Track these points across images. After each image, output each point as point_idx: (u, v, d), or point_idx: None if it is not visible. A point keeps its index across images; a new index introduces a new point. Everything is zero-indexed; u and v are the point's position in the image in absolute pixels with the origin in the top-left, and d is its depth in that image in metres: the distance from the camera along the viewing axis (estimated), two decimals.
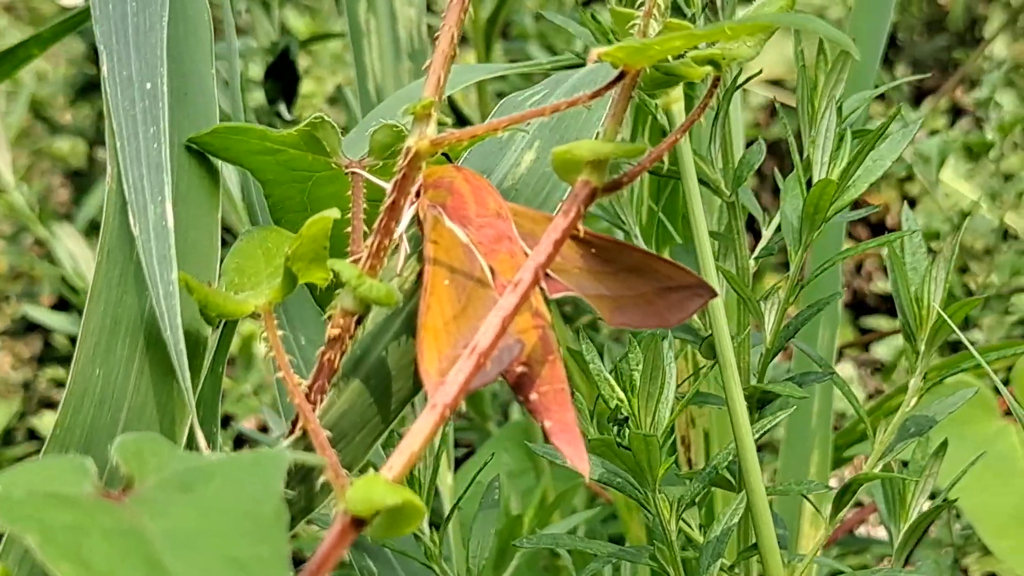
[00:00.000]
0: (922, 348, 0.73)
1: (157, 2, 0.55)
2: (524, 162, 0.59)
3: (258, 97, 1.22)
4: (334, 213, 0.51)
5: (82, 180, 1.66)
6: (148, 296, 0.53)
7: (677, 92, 0.70)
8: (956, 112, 2.14)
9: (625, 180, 0.51)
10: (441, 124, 0.52)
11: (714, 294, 0.54)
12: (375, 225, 0.52)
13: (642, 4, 0.53)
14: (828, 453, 0.98)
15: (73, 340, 1.30)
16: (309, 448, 0.52)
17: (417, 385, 0.54)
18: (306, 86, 1.56)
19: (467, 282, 0.53)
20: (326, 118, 0.56)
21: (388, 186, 0.55)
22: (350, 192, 0.58)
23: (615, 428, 0.66)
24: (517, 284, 0.49)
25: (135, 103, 0.53)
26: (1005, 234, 1.35)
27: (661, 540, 0.68)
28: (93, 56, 1.52)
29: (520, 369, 0.51)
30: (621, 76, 0.50)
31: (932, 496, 0.76)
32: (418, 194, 0.55)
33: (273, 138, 0.57)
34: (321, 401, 0.52)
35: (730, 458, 0.68)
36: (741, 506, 0.70)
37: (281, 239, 0.56)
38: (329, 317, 0.52)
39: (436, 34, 0.52)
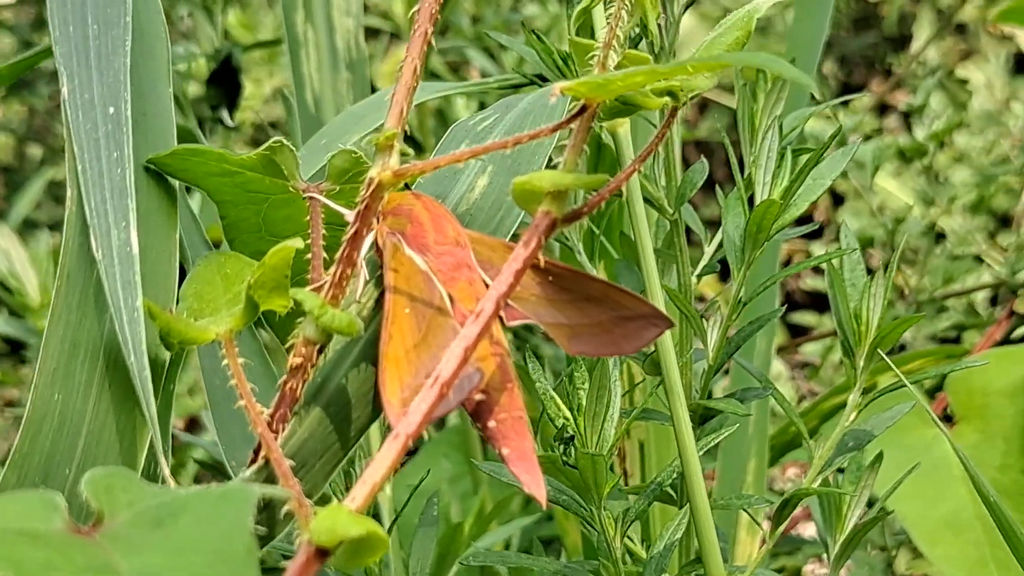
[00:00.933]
0: (860, 364, 0.75)
1: (120, 26, 0.56)
2: (478, 187, 0.60)
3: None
4: (297, 243, 0.52)
5: (13, 176, 1.65)
6: (107, 319, 0.54)
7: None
8: (882, 108, 2.16)
9: (585, 210, 0.53)
10: (403, 154, 0.53)
11: (670, 324, 0.55)
12: (337, 255, 0.53)
13: (602, 31, 0.54)
14: (765, 460, 1.00)
15: (7, 341, 1.30)
16: (271, 476, 0.53)
17: (376, 411, 0.56)
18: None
19: (427, 310, 0.54)
20: (285, 142, 0.57)
21: (346, 212, 0.56)
22: (306, 216, 0.59)
23: (560, 446, 0.67)
24: (479, 314, 0.50)
25: (97, 127, 0.54)
26: (937, 237, 1.37)
27: (605, 556, 0.69)
28: (23, 51, 1.52)
29: (479, 397, 0.53)
30: (583, 110, 0.51)
31: (869, 504, 0.77)
32: (376, 220, 0.56)
33: (232, 161, 0.58)
34: (283, 430, 0.53)
35: (674, 475, 0.70)
36: (684, 520, 0.71)
37: (239, 265, 0.57)
38: (289, 347, 0.53)
39: (400, 64, 0.53)
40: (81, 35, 0.56)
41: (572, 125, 0.52)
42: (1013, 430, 1.04)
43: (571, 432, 0.67)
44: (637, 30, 0.68)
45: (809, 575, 1.22)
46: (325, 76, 0.94)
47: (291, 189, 0.58)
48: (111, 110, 0.54)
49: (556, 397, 0.67)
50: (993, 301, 1.36)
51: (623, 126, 0.71)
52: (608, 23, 0.54)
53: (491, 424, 0.53)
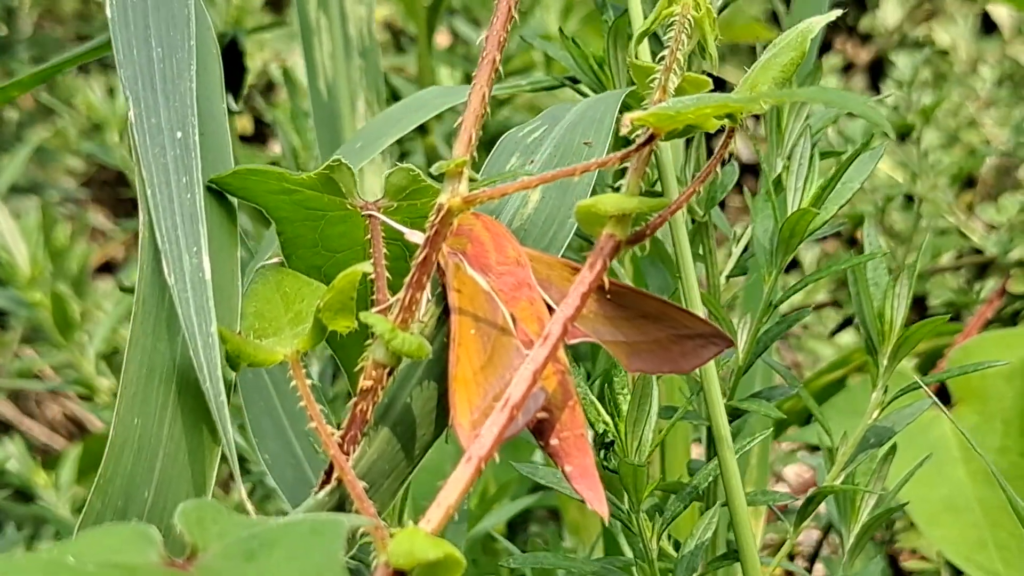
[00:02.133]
0: (884, 363, 0.77)
1: (184, 49, 0.57)
2: (531, 202, 0.61)
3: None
4: (365, 267, 0.54)
5: None
6: (179, 343, 0.55)
7: None
8: (848, 67, 2.18)
9: (648, 232, 0.54)
10: (471, 180, 0.54)
11: (731, 344, 0.57)
12: (406, 279, 0.54)
13: (662, 59, 0.55)
14: (768, 446, 1.02)
15: None
16: (343, 497, 0.54)
17: (439, 429, 0.57)
18: None
19: (491, 331, 0.55)
20: (343, 161, 0.58)
21: (405, 230, 0.58)
22: (362, 231, 0.60)
23: (601, 451, 0.69)
24: (546, 337, 0.52)
25: (165, 151, 0.55)
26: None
27: (641, 557, 0.71)
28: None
29: (541, 415, 0.54)
30: (651, 139, 0.53)
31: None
32: None
33: (291, 180, 0.59)
34: (354, 451, 0.55)
35: (711, 478, 0.72)
36: (714, 520, 0.73)
37: (298, 283, 0.58)
38: (360, 369, 0.55)
39: (468, 92, 0.54)
40: (146, 58, 0.57)
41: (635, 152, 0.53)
42: (1012, 413, 1.06)
43: (611, 437, 0.69)
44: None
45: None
46: (339, 64, 0.95)
47: (349, 206, 0.59)
48: (179, 135, 0.55)
49: (597, 403, 0.69)
50: (979, 274, 1.38)
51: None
52: (668, 46, 0.55)
53: (553, 442, 0.55)
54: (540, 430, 0.55)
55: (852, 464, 0.77)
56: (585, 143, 0.64)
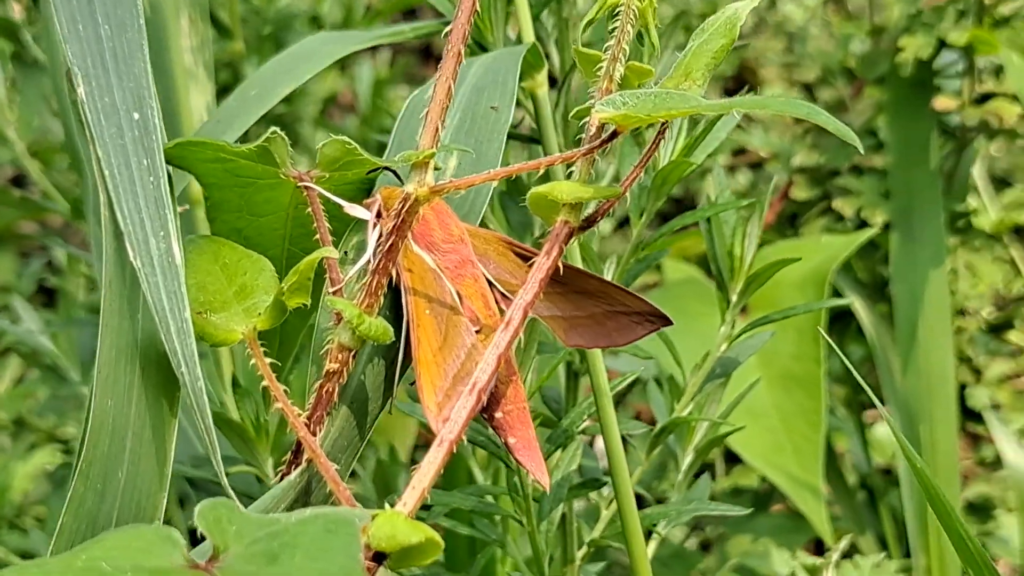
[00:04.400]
0: (734, 299, 0.82)
1: (134, 28, 0.58)
2: (449, 169, 0.65)
3: None
4: (329, 252, 0.57)
5: None
6: (138, 321, 0.57)
7: (541, 77, 0.76)
8: None
9: (598, 218, 0.58)
10: (436, 168, 0.57)
11: (669, 322, 0.62)
12: (371, 266, 0.57)
13: (608, 47, 0.59)
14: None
15: None
16: (312, 477, 0.57)
17: (385, 401, 0.60)
18: None
19: (443, 310, 0.59)
20: (280, 134, 0.60)
21: (344, 203, 0.60)
22: (287, 199, 0.63)
23: None
24: (508, 323, 0.56)
25: (122, 132, 0.56)
26: None
27: (516, 491, 0.76)
28: None
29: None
30: (615, 135, 0.56)
31: None
32: (379, 215, 0.60)
33: (229, 151, 0.61)
34: (319, 432, 0.58)
35: (584, 417, 0.77)
36: (578, 453, 0.79)
37: (236, 255, 0.60)
38: (323, 354, 0.57)
39: (432, 83, 0.57)
40: (93, 35, 0.57)
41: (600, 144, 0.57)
42: (805, 321, 1.14)
43: None
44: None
45: None
46: None
47: (282, 176, 0.62)
48: (136, 116, 0.56)
49: None
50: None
51: (541, 87, 0.76)
52: (615, 36, 0.59)
53: (498, 415, 0.59)
54: (486, 404, 0.59)
55: (700, 394, 0.83)
56: (492, 108, 0.67)
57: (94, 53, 0.57)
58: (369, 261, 0.59)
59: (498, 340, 0.56)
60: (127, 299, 0.57)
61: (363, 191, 0.63)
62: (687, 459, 0.86)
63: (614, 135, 0.56)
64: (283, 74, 0.74)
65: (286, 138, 0.61)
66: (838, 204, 1.24)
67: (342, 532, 0.46)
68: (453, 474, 1.06)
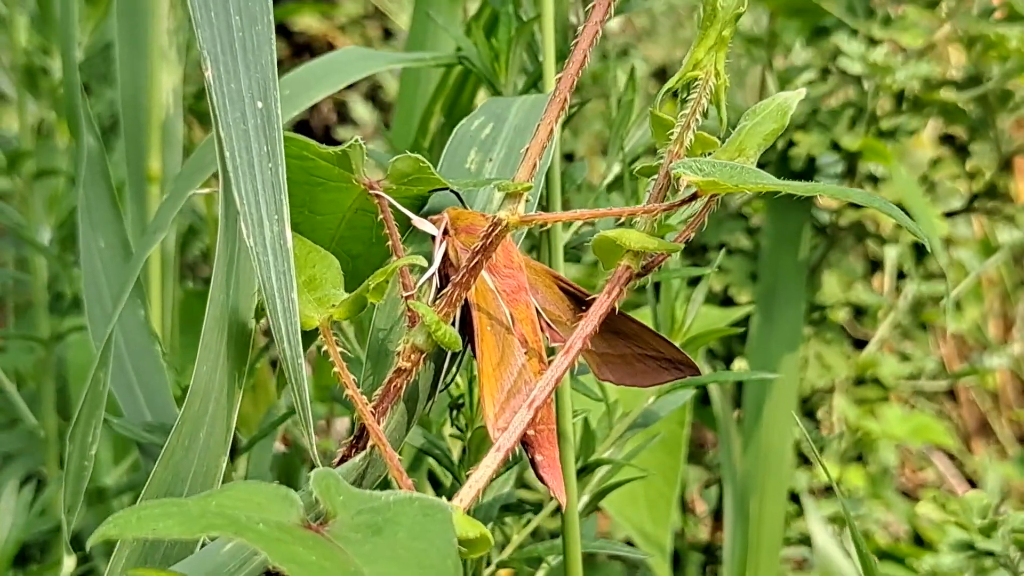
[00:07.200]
0: None
1: (263, 22, 0.63)
2: (495, 199, 0.71)
3: None
4: (419, 260, 0.63)
5: None
6: (232, 293, 0.62)
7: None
8: None
9: (655, 266, 0.65)
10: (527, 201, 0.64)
11: (696, 372, 0.69)
12: (455, 278, 0.63)
13: (683, 114, 0.66)
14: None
15: None
16: (373, 463, 0.63)
17: (428, 402, 0.67)
18: None
19: (500, 329, 0.65)
20: (361, 144, 0.67)
21: (411, 214, 0.67)
22: (348, 203, 0.69)
23: (453, 411, 0.81)
24: (568, 349, 0.63)
25: (246, 118, 0.61)
26: None
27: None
28: None
29: None
30: (694, 197, 0.64)
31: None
32: (445, 232, 0.67)
33: (312, 150, 0.67)
34: (382, 422, 0.64)
35: None
36: (511, 475, 0.86)
37: (304, 248, 0.66)
38: (398, 352, 0.64)
39: (537, 124, 0.64)
40: (224, 24, 0.62)
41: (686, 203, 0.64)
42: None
43: (463, 401, 0.81)
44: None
45: None
46: None
47: (354, 182, 0.68)
48: (259, 104, 0.62)
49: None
50: None
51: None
52: (690, 106, 0.66)
53: (530, 432, 0.66)
54: None
55: (620, 439, 0.91)
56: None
57: (223, 41, 0.62)
58: (435, 274, 0.65)
59: (558, 363, 0.63)
60: (224, 273, 0.62)
61: (415, 207, 0.69)
62: (584, 499, 0.94)
63: (694, 197, 0.64)
64: (316, 80, 0.79)
65: (364, 146, 0.67)
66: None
67: (438, 516, 0.51)
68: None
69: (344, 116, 2.47)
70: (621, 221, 0.66)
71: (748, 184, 0.62)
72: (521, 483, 1.25)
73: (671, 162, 0.65)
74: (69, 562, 0.77)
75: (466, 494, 0.60)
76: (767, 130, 0.68)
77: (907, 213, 0.63)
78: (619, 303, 0.65)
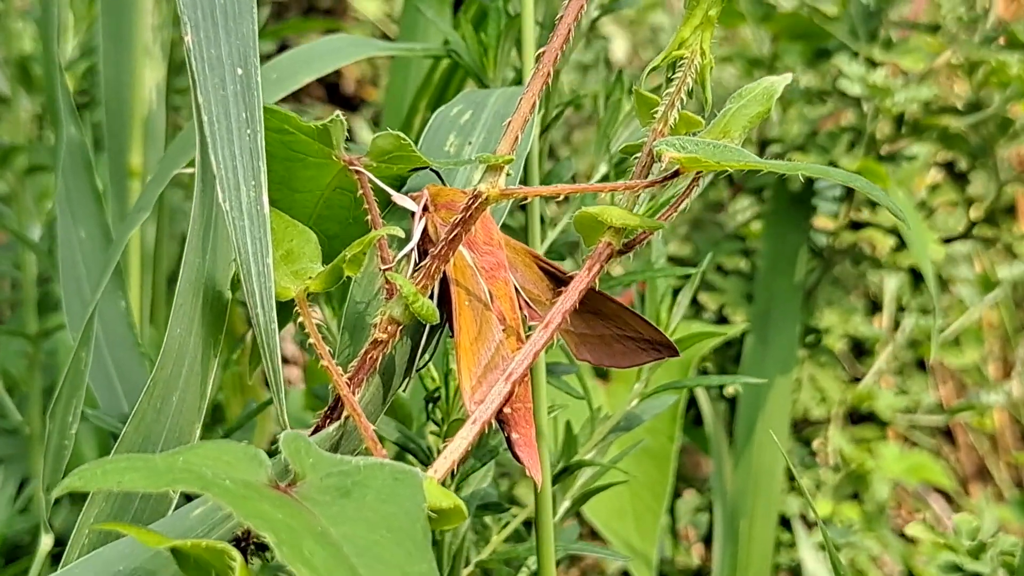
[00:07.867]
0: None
1: None
2: (475, 179, 0.71)
3: None
4: (396, 231, 0.63)
5: None
6: (208, 260, 0.62)
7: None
8: None
9: (636, 244, 0.65)
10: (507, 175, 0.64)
11: (675, 353, 0.69)
12: (434, 251, 0.63)
13: (668, 92, 0.66)
14: None
15: None
16: (347, 432, 0.63)
17: (405, 378, 0.66)
18: None
19: (478, 305, 0.65)
20: (342, 119, 0.67)
21: (391, 191, 0.66)
22: (327, 180, 0.69)
23: (428, 404, 0.81)
24: (547, 324, 0.63)
25: (225, 84, 0.61)
26: None
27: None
28: None
29: None
30: (676, 174, 0.64)
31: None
32: (425, 208, 0.67)
33: (293, 123, 0.67)
34: (356, 393, 0.63)
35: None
36: (489, 473, 0.86)
37: (282, 222, 0.66)
38: (374, 324, 0.63)
39: (520, 97, 0.64)
40: None
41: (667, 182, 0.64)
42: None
43: (438, 394, 0.80)
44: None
45: None
46: None
47: (333, 157, 0.68)
48: (239, 71, 0.62)
49: (432, 365, 0.80)
50: None
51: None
52: (675, 85, 0.66)
53: (506, 410, 0.65)
54: None
55: (603, 441, 0.91)
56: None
57: (204, 7, 0.62)
58: (413, 250, 0.65)
59: (536, 337, 0.62)
60: (200, 238, 0.62)
61: (395, 187, 0.69)
62: (565, 504, 0.93)
63: (676, 174, 0.64)
64: (304, 64, 0.80)
65: (345, 122, 0.67)
66: (703, 297, 1.33)
67: (408, 481, 0.51)
68: None
69: None
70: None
71: (730, 162, 0.62)
72: (510, 499, 1.25)
73: (654, 140, 0.65)
74: (47, 540, 0.77)
75: (440, 465, 0.60)
76: (752, 112, 0.68)
77: (904, 236, 0.63)
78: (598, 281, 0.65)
